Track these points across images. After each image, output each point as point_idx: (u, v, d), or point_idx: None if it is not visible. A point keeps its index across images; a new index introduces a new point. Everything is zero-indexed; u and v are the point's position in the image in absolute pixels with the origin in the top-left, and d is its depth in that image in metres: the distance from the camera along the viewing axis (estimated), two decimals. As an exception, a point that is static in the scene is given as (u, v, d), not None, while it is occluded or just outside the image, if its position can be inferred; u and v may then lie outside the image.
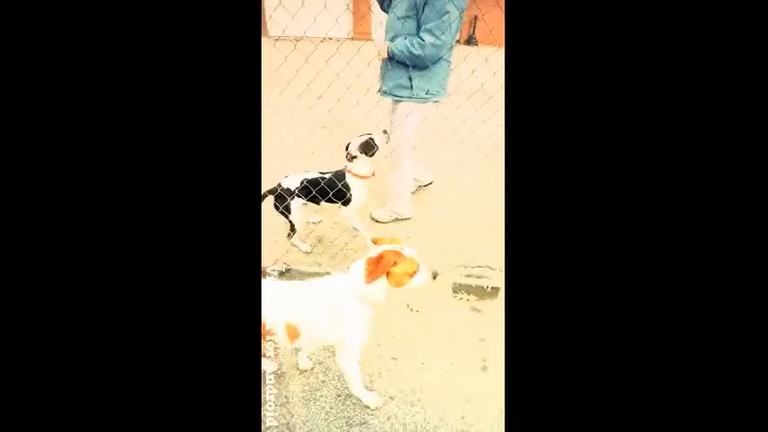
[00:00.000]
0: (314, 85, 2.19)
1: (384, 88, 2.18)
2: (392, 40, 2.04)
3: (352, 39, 6.62)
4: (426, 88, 2.09)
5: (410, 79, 2.04)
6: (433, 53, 1.93)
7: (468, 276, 2.02)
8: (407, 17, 1.93)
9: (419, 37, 1.92)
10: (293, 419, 1.37)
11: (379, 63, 2.18)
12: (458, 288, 1.97)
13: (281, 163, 2.61)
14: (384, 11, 2.17)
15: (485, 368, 1.59)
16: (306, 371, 1.54)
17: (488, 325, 1.79)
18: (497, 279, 2.02)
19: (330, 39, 2.08)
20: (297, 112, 2.37)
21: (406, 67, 2.03)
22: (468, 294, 1.94)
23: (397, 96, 2.14)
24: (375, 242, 1.28)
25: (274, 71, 2.14)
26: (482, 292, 1.94)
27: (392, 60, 2.04)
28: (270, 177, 2.64)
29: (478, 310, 1.87)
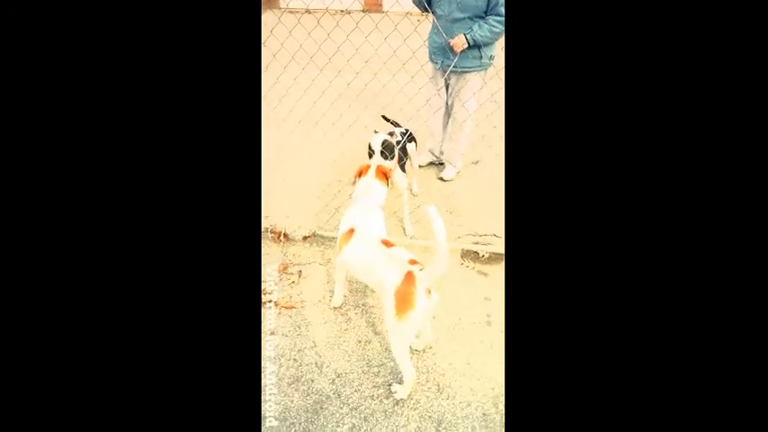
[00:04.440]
0: (320, 57, 2.29)
1: (448, 63, 2.24)
2: (465, 19, 2.13)
3: (364, 10, 6.56)
4: (490, 54, 2.26)
5: (479, 49, 2.18)
6: (504, 24, 2.07)
7: (475, 244, 2.19)
8: None
9: (496, 13, 2.07)
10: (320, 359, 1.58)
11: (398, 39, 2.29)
12: (465, 254, 2.14)
13: (295, 138, 2.74)
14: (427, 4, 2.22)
15: (489, 323, 1.78)
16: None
17: (493, 286, 1.97)
18: (501, 246, 2.18)
19: (342, 11, 2.14)
20: (319, 84, 2.48)
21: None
22: (474, 262, 2.11)
23: (467, 68, 2.26)
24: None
25: (282, 43, 2.23)
26: (485, 258, 2.11)
27: (450, 34, 2.14)
28: (277, 151, 2.78)
29: (485, 274, 2.05)
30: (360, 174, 1.76)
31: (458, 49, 2.15)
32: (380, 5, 6.66)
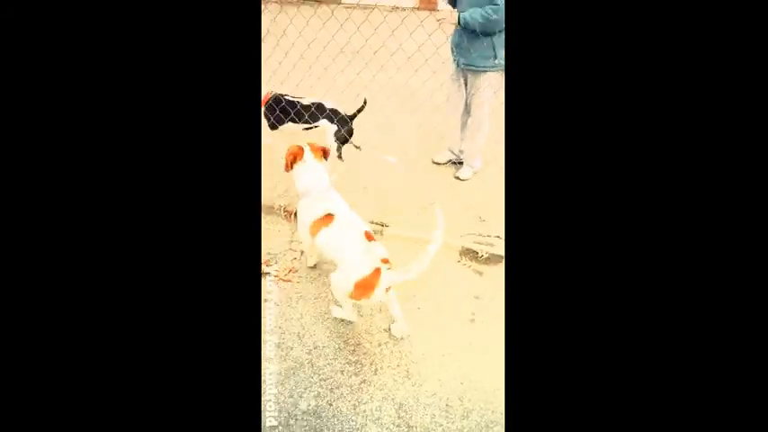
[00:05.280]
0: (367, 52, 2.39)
1: (464, 60, 2.30)
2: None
3: (417, 8, 6.62)
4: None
5: (494, 49, 2.19)
6: (503, 18, 2.06)
7: (476, 243, 2.18)
8: None
9: (492, 2, 2.06)
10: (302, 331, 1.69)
11: (448, 36, 2.34)
12: (464, 252, 2.14)
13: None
14: None
15: (473, 320, 1.79)
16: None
17: (485, 286, 1.97)
18: (502, 248, 2.16)
19: (397, 8, 2.26)
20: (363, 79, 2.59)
21: (486, 36, 2.17)
22: (472, 261, 2.11)
23: (480, 67, 2.28)
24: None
25: (333, 35, 2.35)
26: (484, 258, 2.10)
27: (465, 31, 2.17)
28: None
29: (479, 273, 2.05)
30: (295, 158, 1.69)
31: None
32: (435, 3, 6.67)
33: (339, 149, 2.36)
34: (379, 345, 1.66)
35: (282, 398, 1.45)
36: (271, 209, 2.37)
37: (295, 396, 1.45)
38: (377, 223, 2.26)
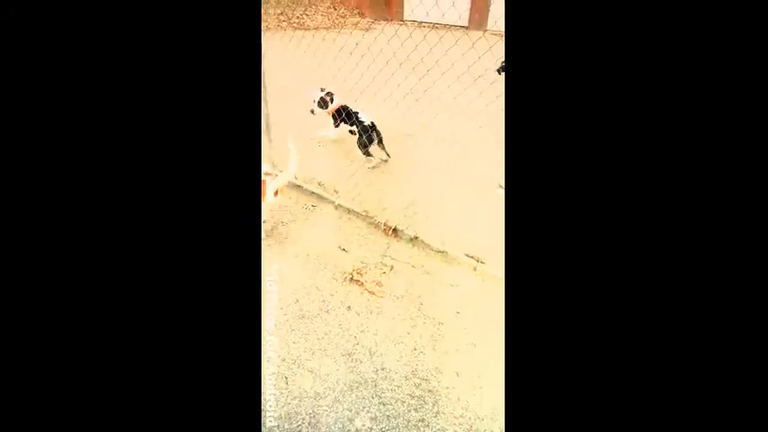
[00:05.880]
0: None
1: None
2: None
3: (467, 28, 6.91)
4: None
5: None
6: None
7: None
8: None
9: None
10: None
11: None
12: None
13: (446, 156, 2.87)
14: None
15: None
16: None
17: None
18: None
19: (451, 26, 2.48)
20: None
21: None
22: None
23: None
24: None
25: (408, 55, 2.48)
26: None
27: None
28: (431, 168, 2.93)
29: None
30: None
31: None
32: (484, 20, 7.31)
33: (363, 149, 2.92)
34: (447, 387, 1.57)
35: (341, 409, 1.46)
36: (369, 218, 2.46)
37: (353, 411, 1.46)
38: (472, 257, 2.16)
